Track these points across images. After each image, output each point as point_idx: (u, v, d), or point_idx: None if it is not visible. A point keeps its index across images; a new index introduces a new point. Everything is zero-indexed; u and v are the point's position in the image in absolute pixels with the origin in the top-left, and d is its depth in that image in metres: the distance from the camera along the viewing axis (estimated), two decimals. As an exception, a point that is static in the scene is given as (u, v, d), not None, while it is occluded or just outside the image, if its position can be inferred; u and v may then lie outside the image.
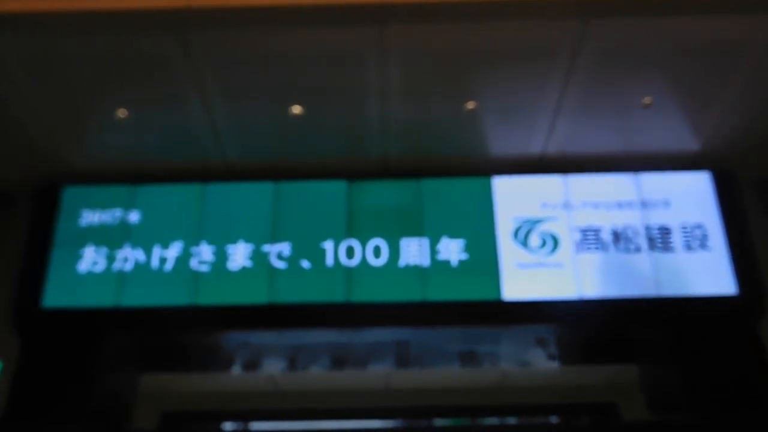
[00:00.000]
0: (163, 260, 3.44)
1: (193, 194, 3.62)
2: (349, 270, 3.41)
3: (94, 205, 3.58)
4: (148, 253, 3.46)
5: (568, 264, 3.41)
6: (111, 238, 3.50)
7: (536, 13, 2.66)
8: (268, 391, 4.77)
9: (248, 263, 3.43)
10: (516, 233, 3.49)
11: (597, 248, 3.44)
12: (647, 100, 3.17)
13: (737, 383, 3.15)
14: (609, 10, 2.64)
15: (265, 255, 3.46)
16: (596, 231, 3.49)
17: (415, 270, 3.41)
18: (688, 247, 3.42)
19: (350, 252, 3.46)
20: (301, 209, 3.58)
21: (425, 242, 3.48)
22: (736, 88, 3.08)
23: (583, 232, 3.49)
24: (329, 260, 3.43)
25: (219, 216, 3.56)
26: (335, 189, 3.62)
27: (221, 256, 3.45)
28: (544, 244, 3.46)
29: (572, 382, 4.68)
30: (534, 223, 3.52)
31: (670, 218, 3.49)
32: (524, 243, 3.47)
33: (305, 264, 3.43)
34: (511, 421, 5.06)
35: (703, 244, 3.43)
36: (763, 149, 3.51)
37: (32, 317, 3.37)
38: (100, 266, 3.43)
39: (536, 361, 4.13)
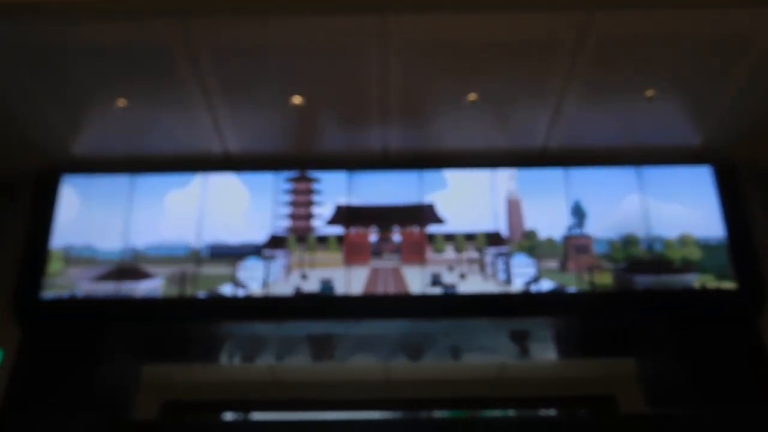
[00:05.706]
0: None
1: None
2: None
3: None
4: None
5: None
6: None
7: (540, 4, 2.63)
8: (268, 381, 4.79)
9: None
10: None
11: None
12: (650, 93, 3.15)
13: (735, 377, 3.16)
14: (614, 1, 2.62)
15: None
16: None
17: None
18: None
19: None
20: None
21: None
22: (739, 82, 3.06)
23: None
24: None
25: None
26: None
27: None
28: None
29: (571, 375, 4.69)
30: None
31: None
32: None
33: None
34: (510, 413, 5.08)
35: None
36: (766, 143, 3.50)
37: (32, 307, 3.37)
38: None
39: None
